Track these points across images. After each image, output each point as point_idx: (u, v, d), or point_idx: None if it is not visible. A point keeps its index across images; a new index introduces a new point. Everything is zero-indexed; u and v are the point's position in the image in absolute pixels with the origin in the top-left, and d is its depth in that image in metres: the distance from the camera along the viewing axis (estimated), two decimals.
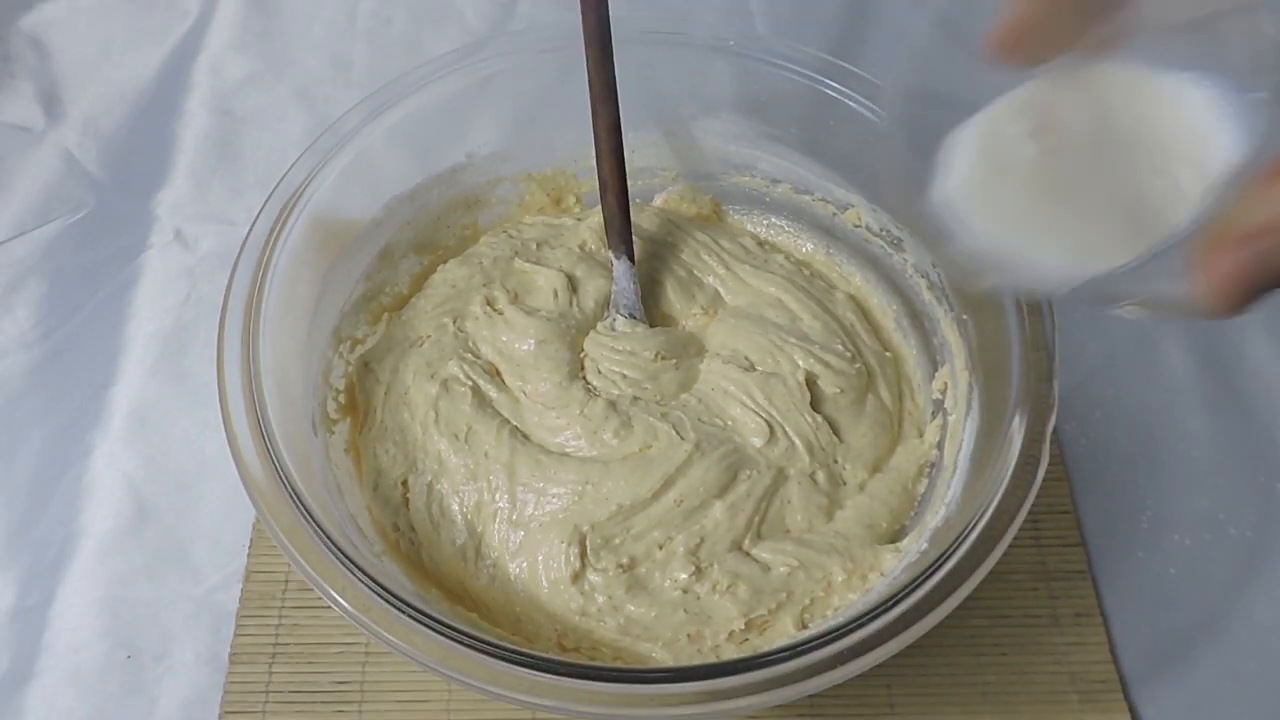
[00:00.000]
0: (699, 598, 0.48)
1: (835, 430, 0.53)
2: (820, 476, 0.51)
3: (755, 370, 0.54)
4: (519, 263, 0.58)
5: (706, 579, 0.48)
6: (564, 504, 0.49)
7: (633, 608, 0.47)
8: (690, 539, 0.48)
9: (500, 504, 0.50)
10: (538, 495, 0.50)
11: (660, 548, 0.48)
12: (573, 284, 0.57)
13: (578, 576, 0.48)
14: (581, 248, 0.59)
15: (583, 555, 0.48)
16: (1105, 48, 0.34)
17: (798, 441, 0.51)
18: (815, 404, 0.53)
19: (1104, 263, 0.34)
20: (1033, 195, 0.37)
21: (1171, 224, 0.29)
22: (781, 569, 0.48)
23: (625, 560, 0.48)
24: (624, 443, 0.51)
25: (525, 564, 0.49)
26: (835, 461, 0.52)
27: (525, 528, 0.49)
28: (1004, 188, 0.38)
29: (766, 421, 0.51)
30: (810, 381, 0.54)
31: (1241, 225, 0.27)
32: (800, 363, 0.54)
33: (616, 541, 0.48)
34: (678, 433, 0.51)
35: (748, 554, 0.49)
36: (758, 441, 0.51)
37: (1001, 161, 0.38)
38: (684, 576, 0.48)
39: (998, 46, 0.34)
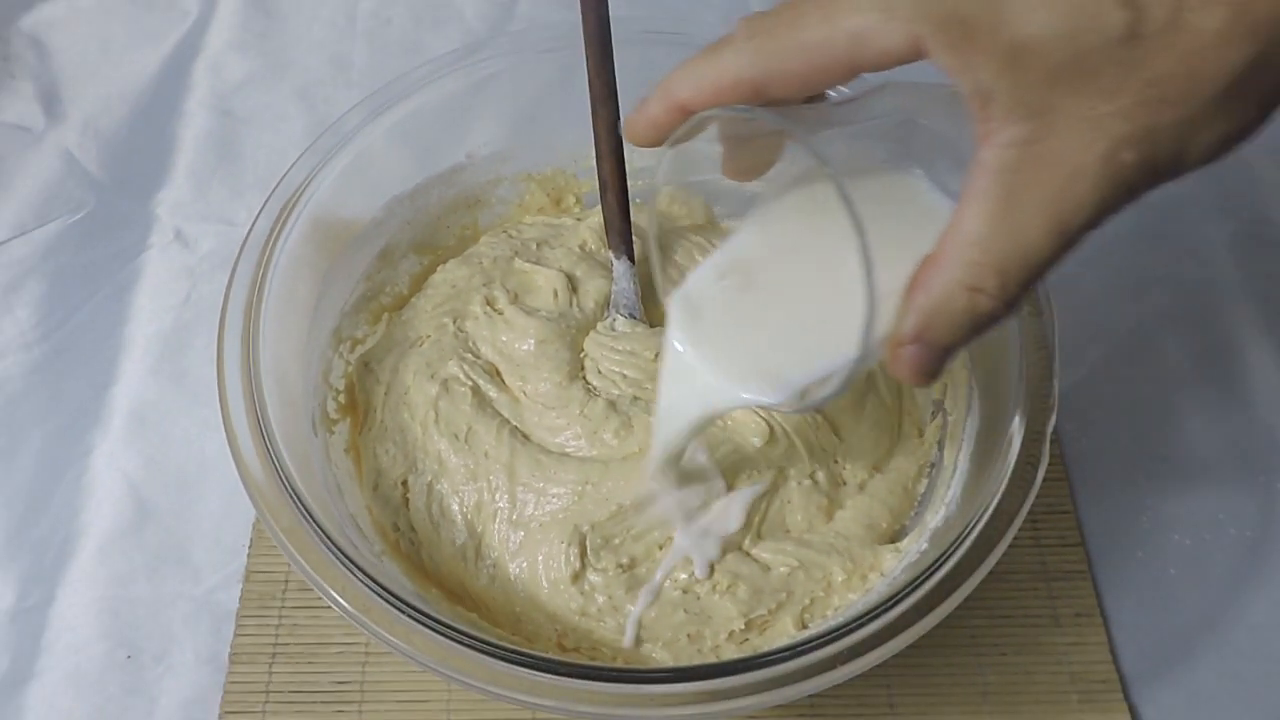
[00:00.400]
0: (699, 598, 0.48)
1: (835, 430, 0.53)
2: (820, 476, 0.51)
3: None
4: (519, 263, 0.58)
5: (706, 579, 0.48)
6: (564, 504, 0.49)
7: (632, 607, 0.47)
8: None
9: (500, 504, 0.50)
10: (538, 495, 0.50)
11: (660, 548, 0.48)
12: (573, 284, 0.57)
13: (578, 576, 0.48)
14: (581, 248, 0.59)
15: (583, 555, 0.48)
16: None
17: (798, 441, 0.51)
18: None
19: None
20: (737, 329, 0.43)
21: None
22: (781, 569, 0.48)
23: (625, 560, 0.48)
24: (624, 443, 0.51)
25: (525, 564, 0.49)
26: (835, 461, 0.52)
27: (525, 528, 0.49)
28: (711, 325, 0.43)
29: (766, 421, 0.51)
30: None
31: (901, 334, 0.34)
32: None
33: (616, 541, 0.48)
34: None
35: (748, 554, 0.49)
36: (757, 441, 0.51)
37: (709, 303, 0.43)
38: (684, 576, 0.48)
39: (728, 174, 0.41)
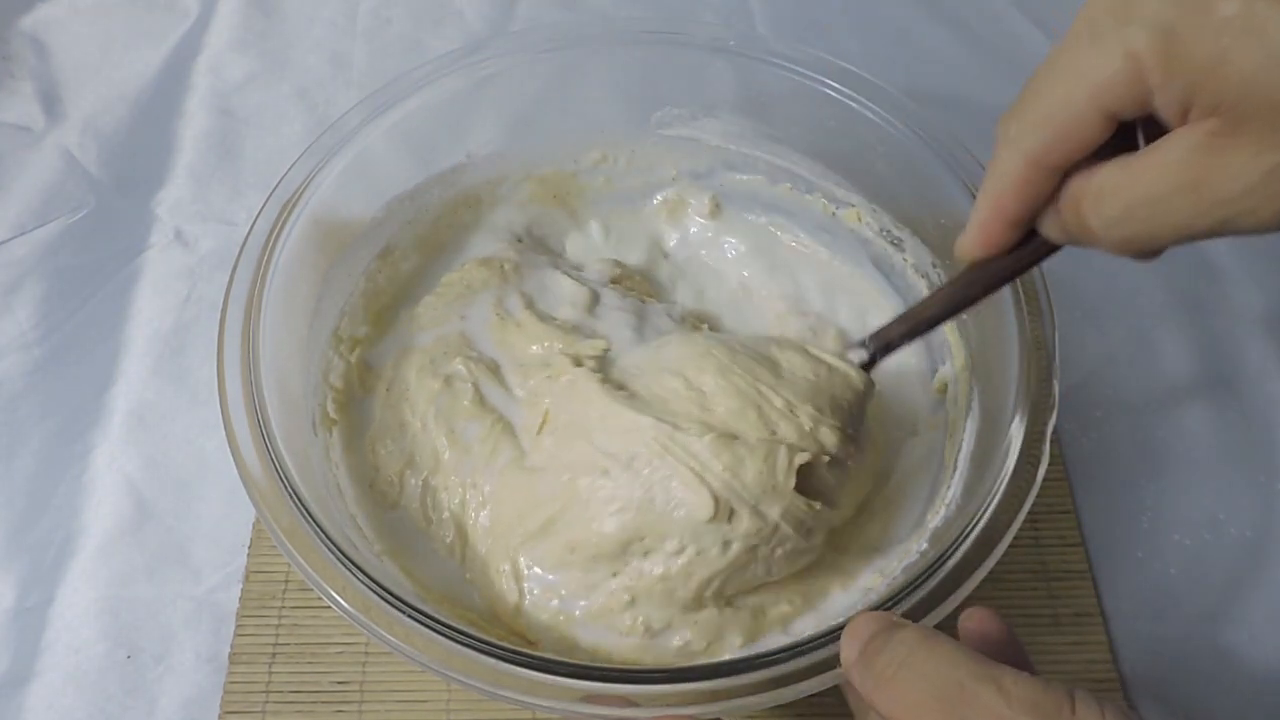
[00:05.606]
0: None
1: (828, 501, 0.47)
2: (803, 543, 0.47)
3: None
4: (551, 271, 0.58)
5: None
6: (545, 514, 0.48)
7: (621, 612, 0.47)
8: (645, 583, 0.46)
9: (479, 503, 0.50)
10: (509, 501, 0.49)
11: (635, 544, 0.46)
12: (594, 301, 0.56)
13: (553, 580, 0.47)
14: (615, 281, 0.59)
15: (563, 562, 0.47)
16: None
17: (785, 525, 0.45)
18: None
19: None
20: None
21: None
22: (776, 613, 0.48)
23: (599, 568, 0.47)
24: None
25: (508, 566, 0.48)
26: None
27: (491, 534, 0.49)
28: None
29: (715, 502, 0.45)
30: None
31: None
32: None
33: (589, 552, 0.46)
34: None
35: (738, 607, 0.48)
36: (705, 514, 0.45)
37: None
38: (665, 579, 0.46)
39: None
